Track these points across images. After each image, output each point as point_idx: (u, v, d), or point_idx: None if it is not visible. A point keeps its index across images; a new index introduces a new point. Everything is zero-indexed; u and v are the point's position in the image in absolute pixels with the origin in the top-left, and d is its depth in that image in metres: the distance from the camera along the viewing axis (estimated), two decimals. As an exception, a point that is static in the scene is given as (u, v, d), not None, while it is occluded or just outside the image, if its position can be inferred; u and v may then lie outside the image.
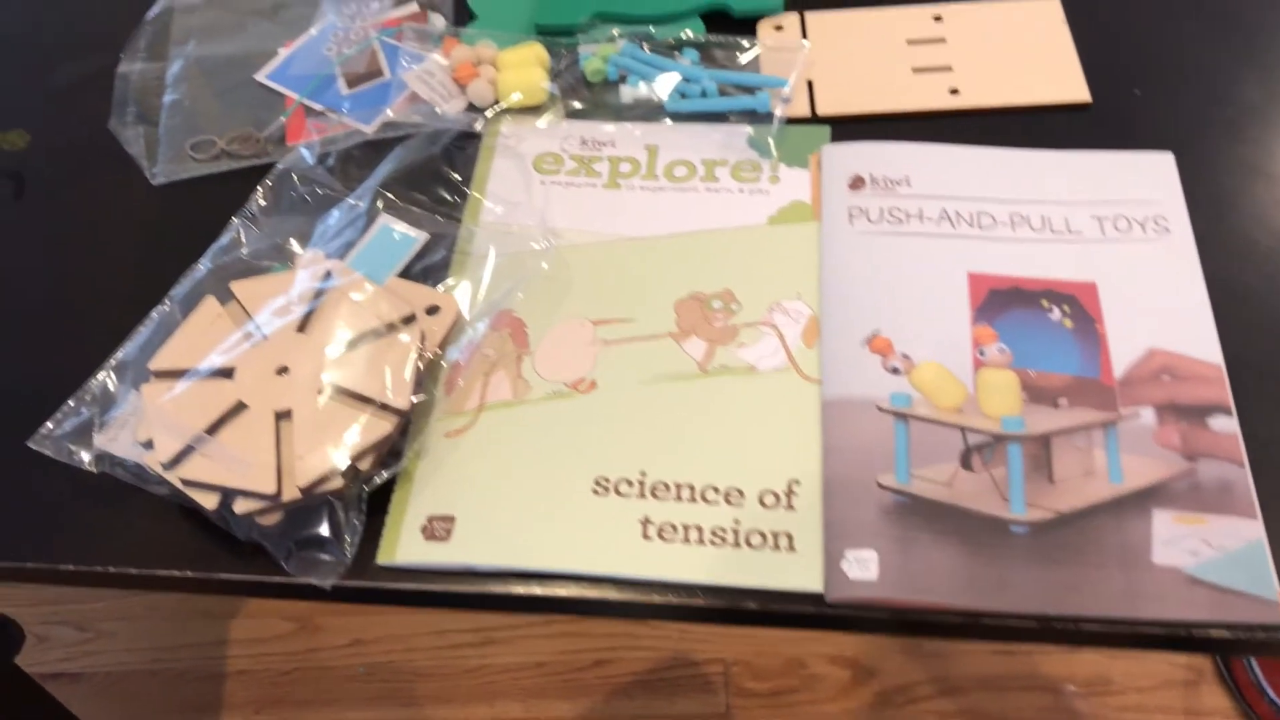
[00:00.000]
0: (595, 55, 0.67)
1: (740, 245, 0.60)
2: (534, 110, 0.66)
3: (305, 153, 0.63)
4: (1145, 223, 0.59)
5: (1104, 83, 0.65)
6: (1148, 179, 0.61)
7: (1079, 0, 0.69)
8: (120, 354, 0.56)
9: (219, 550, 0.51)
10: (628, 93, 0.66)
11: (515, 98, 0.65)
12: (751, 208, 0.61)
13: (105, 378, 0.55)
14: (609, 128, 0.65)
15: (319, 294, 0.55)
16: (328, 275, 0.56)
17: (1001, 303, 0.56)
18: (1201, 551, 0.48)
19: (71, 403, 0.54)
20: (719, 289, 0.58)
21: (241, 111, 0.68)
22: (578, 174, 0.63)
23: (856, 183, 0.61)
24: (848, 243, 0.59)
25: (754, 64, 0.67)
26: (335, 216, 0.60)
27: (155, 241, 0.62)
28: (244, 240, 0.60)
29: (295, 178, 0.62)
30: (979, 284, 0.57)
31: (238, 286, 0.56)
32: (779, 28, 0.69)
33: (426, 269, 0.59)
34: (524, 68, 0.66)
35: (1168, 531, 0.49)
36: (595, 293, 0.58)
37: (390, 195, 0.61)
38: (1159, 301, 0.56)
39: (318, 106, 0.67)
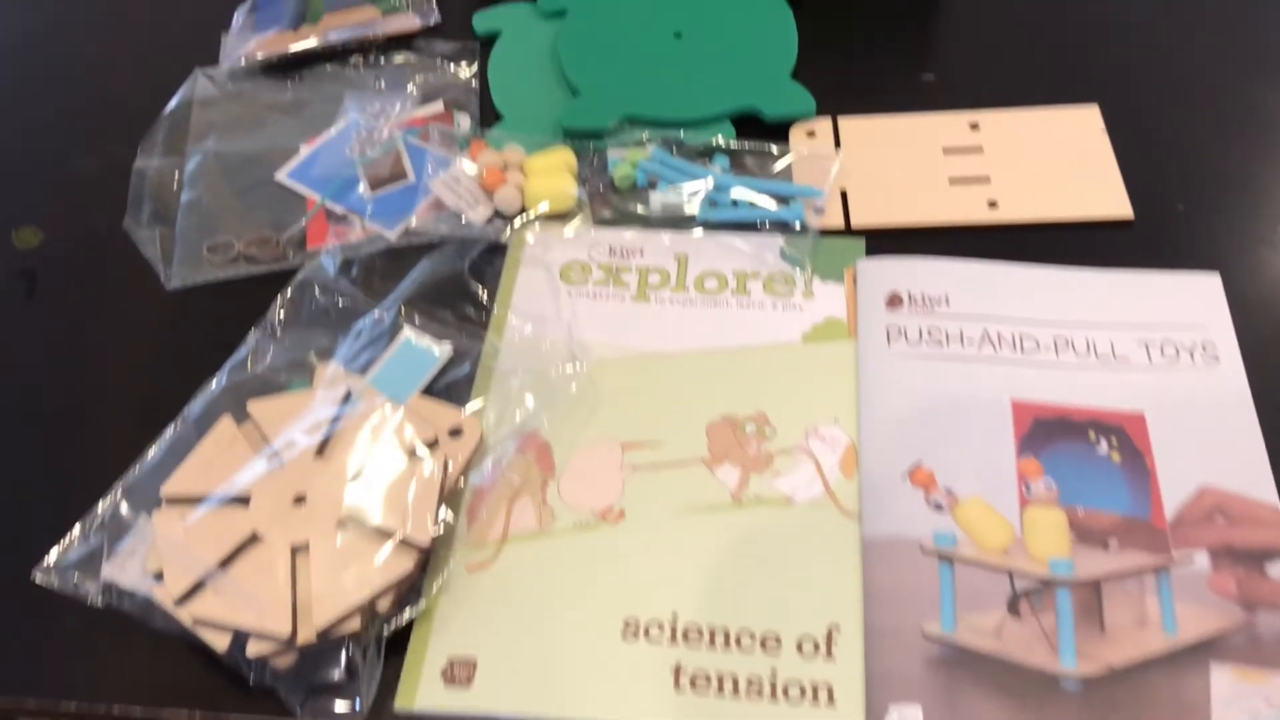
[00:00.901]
0: (624, 160, 0.66)
1: (774, 364, 0.58)
2: (561, 217, 0.65)
3: (326, 261, 0.61)
4: (1193, 349, 0.57)
5: (1146, 197, 0.63)
6: (1194, 301, 0.59)
7: (1119, 108, 0.68)
8: (131, 476, 0.54)
9: (229, 690, 0.49)
10: (657, 200, 0.65)
11: (543, 207, 0.64)
12: (785, 324, 0.59)
13: (115, 502, 0.53)
14: (638, 236, 0.64)
15: (339, 416, 0.53)
16: (348, 395, 0.54)
17: (1047, 433, 0.54)
18: (1263, 714, 0.46)
19: (78, 530, 0.52)
20: (752, 411, 0.56)
21: (260, 212, 0.66)
22: (606, 284, 0.62)
23: (894, 300, 0.59)
24: (886, 365, 0.57)
25: (786, 171, 0.65)
26: (357, 330, 0.58)
27: (170, 350, 0.61)
28: (262, 354, 0.58)
29: (316, 288, 0.60)
30: (1023, 412, 0.55)
31: (255, 406, 0.54)
32: (811, 133, 0.68)
33: (450, 385, 0.57)
34: (552, 174, 0.65)
35: (1228, 689, 0.47)
36: (624, 413, 0.56)
37: (414, 308, 0.60)
38: (1210, 435, 0.54)
39: (339, 209, 0.65)
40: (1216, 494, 0.52)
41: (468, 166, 0.65)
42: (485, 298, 0.60)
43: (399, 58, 0.74)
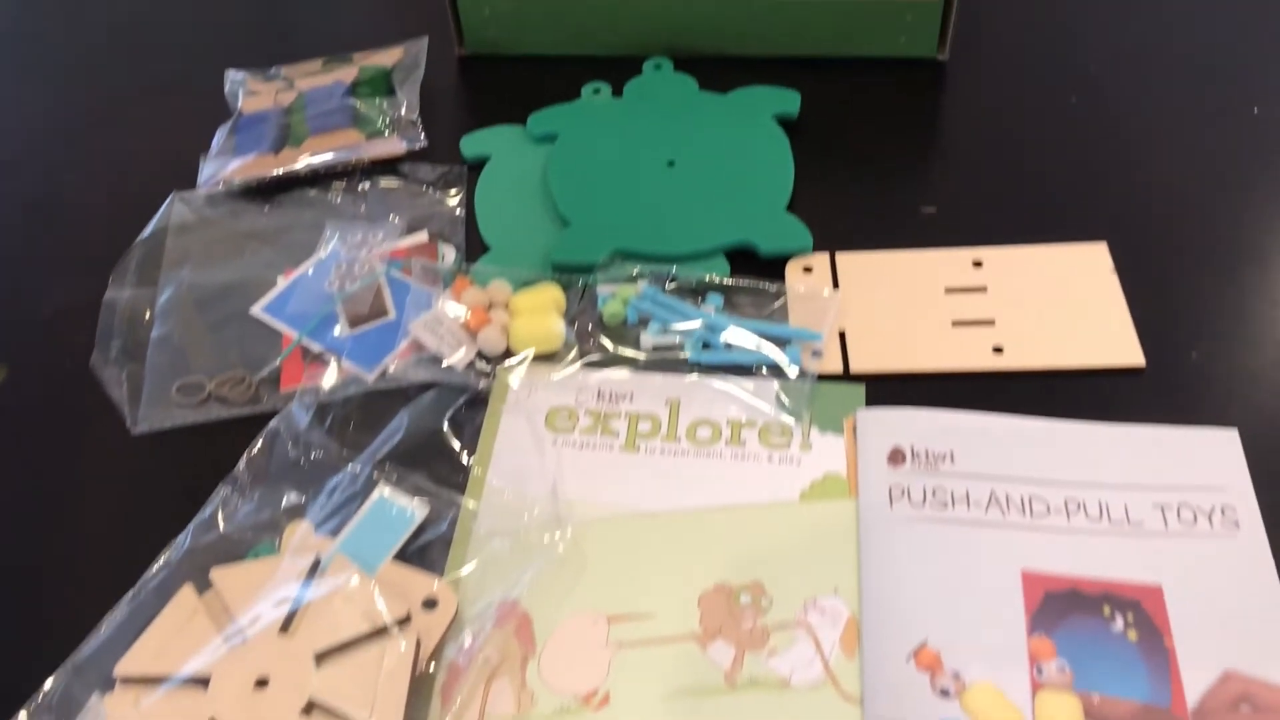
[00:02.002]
0: (615, 297, 0.63)
1: (770, 526, 0.55)
2: (548, 357, 0.62)
3: (298, 411, 0.58)
4: (1212, 514, 0.54)
5: (1158, 342, 0.61)
6: (1211, 460, 0.56)
7: (1128, 245, 0.65)
8: (84, 650, 0.50)
9: None
10: (648, 340, 0.62)
11: (528, 352, 0.61)
12: (781, 480, 0.56)
13: (65, 680, 0.49)
14: (627, 378, 0.61)
15: (306, 587, 0.50)
16: (316, 563, 0.51)
17: (1059, 608, 0.51)
18: None
19: (24, 716, 0.49)
20: (747, 580, 0.53)
21: (234, 349, 0.63)
22: (593, 432, 0.59)
23: (896, 456, 0.56)
24: (889, 530, 0.54)
25: (782, 309, 0.63)
26: (330, 487, 0.55)
27: (133, 501, 0.57)
28: (230, 511, 0.55)
29: (287, 440, 0.57)
30: (1034, 585, 0.52)
31: (218, 575, 0.51)
32: (808, 269, 0.65)
33: (426, 547, 0.54)
34: (539, 313, 0.62)
35: None
36: (610, 579, 0.53)
37: (390, 464, 0.57)
38: (1232, 610, 0.51)
39: (316, 348, 0.63)
40: (1242, 680, 0.49)
41: (450, 307, 0.62)
42: (465, 453, 0.57)
43: (384, 183, 0.72)
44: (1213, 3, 0.80)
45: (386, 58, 0.78)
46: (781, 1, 0.75)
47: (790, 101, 0.73)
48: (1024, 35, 0.80)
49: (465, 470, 0.56)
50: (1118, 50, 0.78)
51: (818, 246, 0.66)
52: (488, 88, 0.79)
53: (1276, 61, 0.76)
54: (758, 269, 0.66)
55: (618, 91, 0.76)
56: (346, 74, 0.76)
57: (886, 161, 0.72)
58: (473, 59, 0.81)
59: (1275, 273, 0.64)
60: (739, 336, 0.61)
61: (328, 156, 0.71)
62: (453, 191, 0.71)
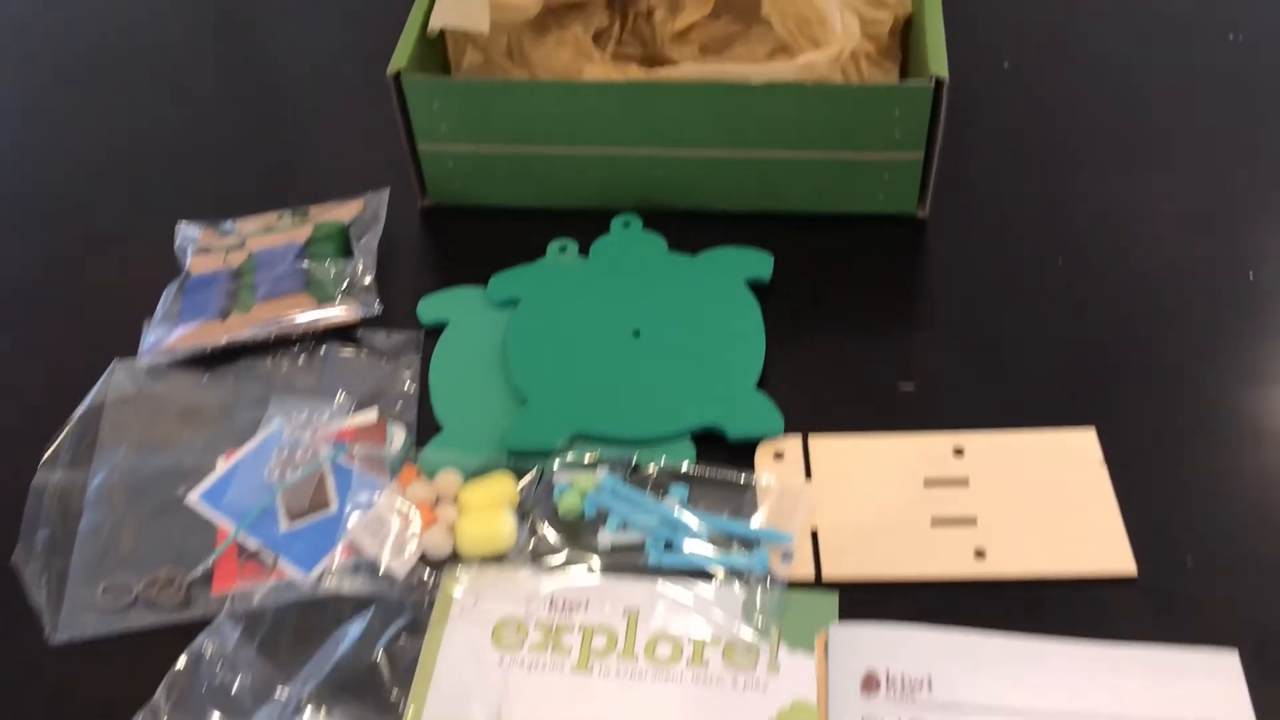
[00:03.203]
0: (572, 489, 0.59)
1: (732, 764, 0.50)
2: (497, 558, 0.58)
3: (228, 627, 0.54)
4: (1212, 754, 0.50)
5: (1150, 546, 0.56)
6: (1210, 687, 0.52)
7: (1118, 432, 0.61)
8: None
9: None
10: (606, 538, 0.58)
11: (475, 560, 0.57)
12: (747, 708, 0.52)
13: None
14: (583, 583, 0.57)
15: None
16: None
17: None
18: None
19: None
20: (705, 830, 0.48)
21: (166, 543, 0.59)
22: (544, 649, 0.54)
23: (870, 683, 0.52)
24: (859, 771, 0.50)
25: (751, 499, 0.59)
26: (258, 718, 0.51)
27: (46, 724, 0.53)
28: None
29: (215, 661, 0.53)
30: (1018, 842, 0.47)
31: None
32: (779, 454, 0.62)
33: (358, 787, 0.50)
34: (488, 511, 0.58)
35: None
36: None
37: (322, 692, 0.52)
38: None
39: (253, 544, 0.59)
40: None
41: (393, 504, 0.58)
42: (400, 689, 0.53)
43: (335, 351, 0.68)
44: (1203, 158, 0.77)
45: (345, 211, 0.75)
46: (755, 159, 0.72)
47: (762, 266, 0.70)
48: (1008, 190, 0.76)
49: (399, 710, 0.52)
50: (1107, 207, 0.75)
51: (790, 425, 0.63)
52: (451, 241, 0.76)
53: (1271, 223, 0.73)
54: (726, 451, 0.62)
55: (585, 247, 0.73)
56: (301, 232, 0.73)
57: (863, 331, 0.68)
58: (437, 210, 0.77)
59: (1276, 462, 0.60)
60: (703, 543, 0.57)
61: (276, 325, 0.68)
62: (407, 363, 0.67)
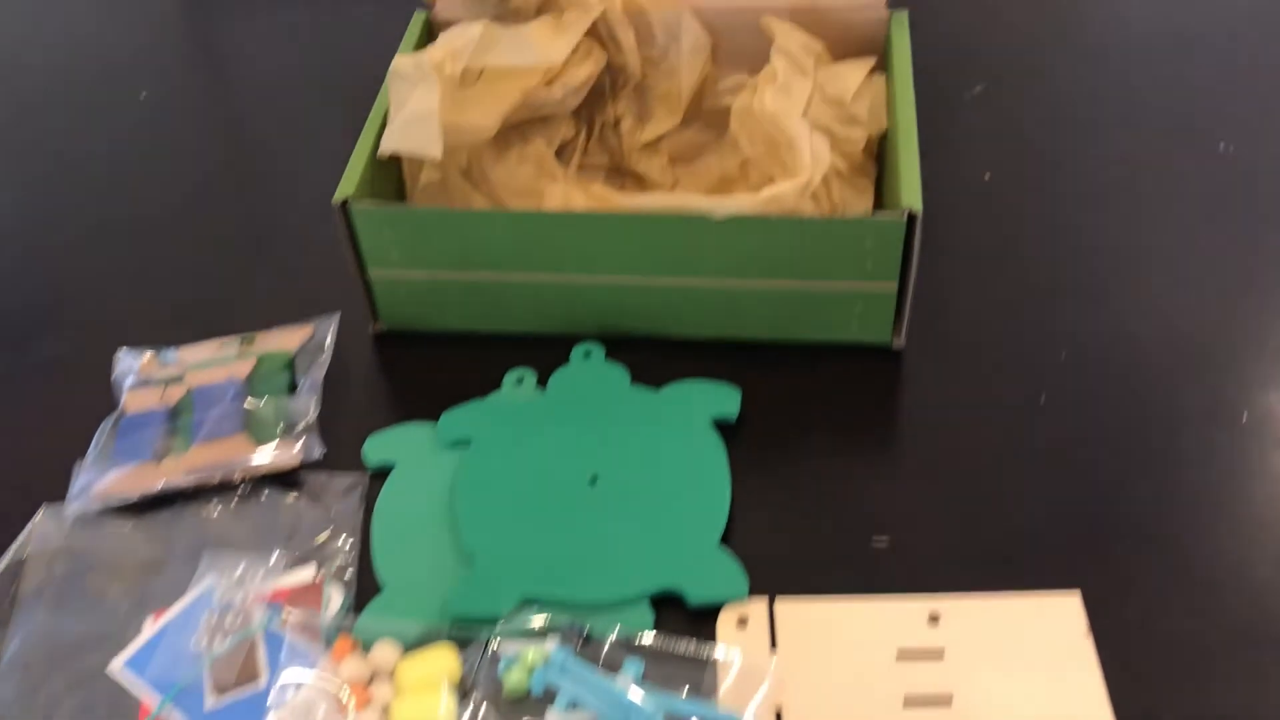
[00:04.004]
0: (518, 663, 0.55)
1: None
2: (437, 742, 0.54)
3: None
4: None
5: (1139, 730, 0.53)
6: None
7: (1104, 596, 0.57)
8: None
9: None
10: (554, 719, 0.54)
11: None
12: None
13: None
14: (528, 770, 0.53)
15: None
16: None
17: None
18: None
19: None
20: None
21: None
22: None
23: None
24: None
25: (712, 675, 0.55)
26: None
27: None
28: None
29: None
30: None
31: None
32: (743, 620, 0.57)
33: None
34: (427, 691, 0.54)
35: None
36: None
37: None
38: None
39: (175, 723, 0.55)
40: None
41: (325, 684, 0.54)
42: None
43: (275, 498, 0.64)
44: (1194, 281, 0.74)
45: (293, 337, 0.72)
46: (720, 288, 0.69)
47: (729, 403, 0.66)
48: (988, 318, 0.73)
49: None
50: (1093, 337, 0.71)
51: (755, 584, 0.58)
52: (404, 368, 0.73)
53: (1263, 355, 0.70)
54: (687, 615, 0.58)
55: (545, 377, 0.69)
56: (243, 366, 0.69)
57: (835, 476, 0.64)
58: (390, 335, 0.74)
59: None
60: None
61: (213, 470, 0.64)
62: (350, 511, 0.63)
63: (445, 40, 0.69)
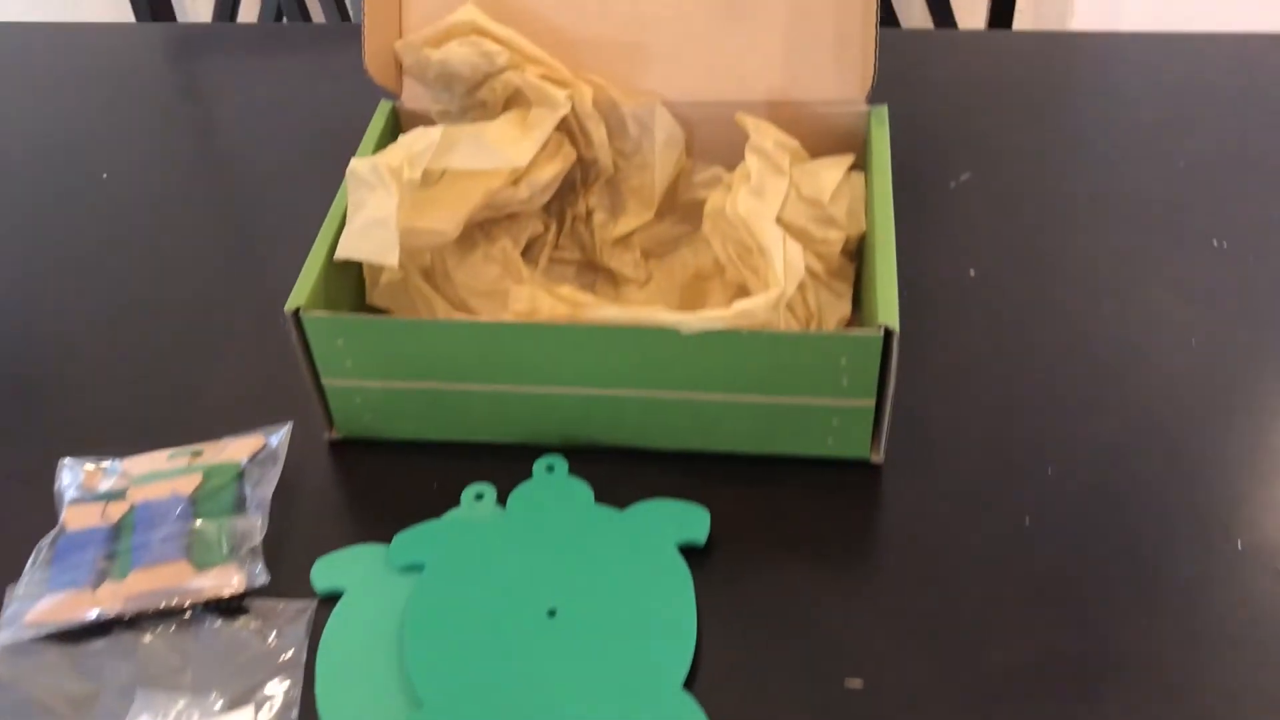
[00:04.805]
0: (464, 822, 0.52)
1: None
2: None
3: None
4: None
5: None
6: None
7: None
8: None
9: None
10: None
11: None
12: None
13: None
14: None
15: None
16: None
17: None
18: None
19: None
20: None
21: None
22: None
23: None
24: None
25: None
26: None
27: None
28: None
29: None
30: None
31: None
32: (706, 772, 0.54)
33: None
34: None
35: None
36: None
37: None
38: None
39: None
40: None
41: None
42: None
43: (217, 628, 0.61)
44: (1185, 402, 0.70)
45: (244, 447, 0.68)
46: (689, 400, 0.65)
47: (697, 527, 0.63)
48: (972, 433, 0.69)
49: None
50: (1080, 451, 0.68)
51: (720, 731, 0.55)
52: (359, 480, 0.69)
53: (1259, 475, 0.66)
54: (648, 764, 0.55)
55: (505, 492, 0.66)
56: (189, 481, 0.66)
57: (807, 606, 0.61)
58: (346, 443, 0.71)
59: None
60: None
61: (151, 598, 0.61)
62: (294, 643, 0.60)
63: (404, 144, 0.67)
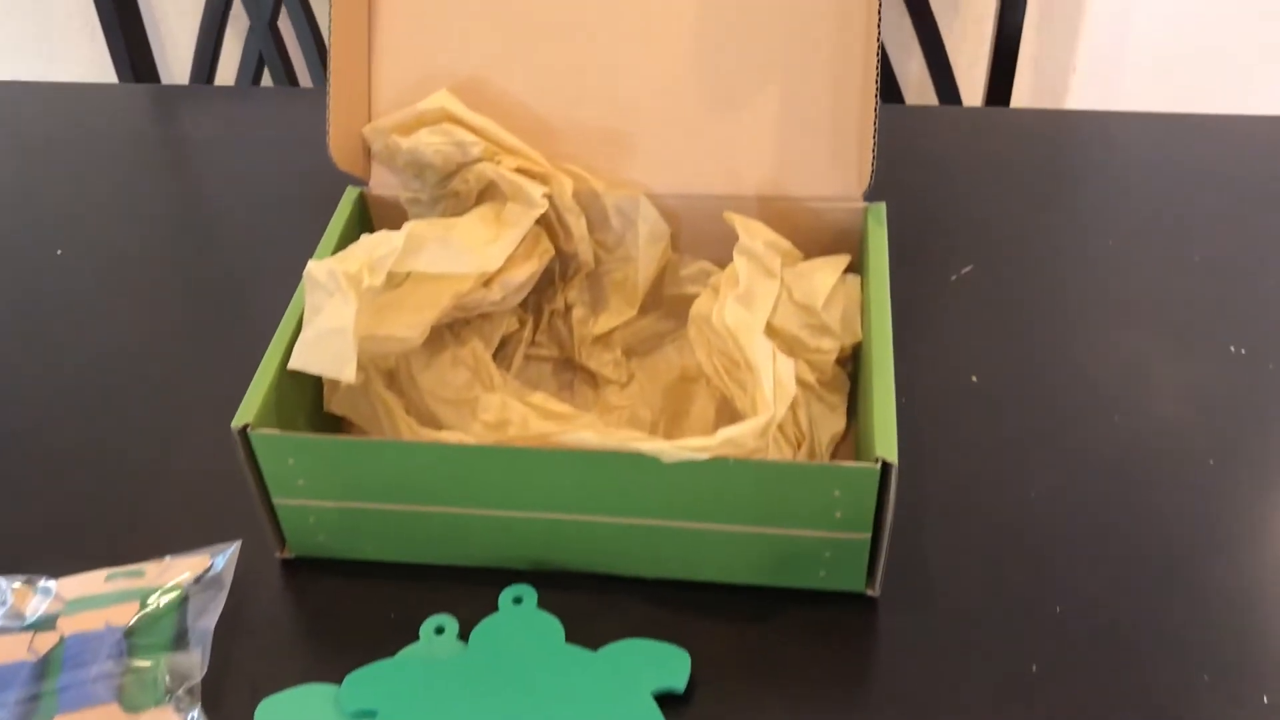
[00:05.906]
0: None
1: None
2: None
3: None
4: None
5: None
6: None
7: None
8: None
9: None
10: None
11: None
12: None
13: None
14: None
15: None
16: None
17: None
18: None
19: None
20: None
21: None
22: None
23: None
24: None
25: None
26: None
27: None
28: None
29: None
30: None
31: None
32: None
33: None
34: None
35: None
36: None
37: None
38: None
39: None
40: None
41: None
42: None
43: (146, 779, 0.56)
44: (1204, 533, 0.65)
45: (188, 566, 0.63)
46: (669, 528, 0.60)
47: (675, 673, 0.57)
48: (974, 561, 0.64)
49: None
50: (1090, 587, 0.62)
51: None
52: (311, 605, 0.64)
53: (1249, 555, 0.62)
54: None
55: (468, 622, 0.61)
56: (125, 610, 0.60)
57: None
58: (299, 562, 0.66)
59: None
60: None
61: (77, 753, 0.56)
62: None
63: (366, 246, 0.62)
